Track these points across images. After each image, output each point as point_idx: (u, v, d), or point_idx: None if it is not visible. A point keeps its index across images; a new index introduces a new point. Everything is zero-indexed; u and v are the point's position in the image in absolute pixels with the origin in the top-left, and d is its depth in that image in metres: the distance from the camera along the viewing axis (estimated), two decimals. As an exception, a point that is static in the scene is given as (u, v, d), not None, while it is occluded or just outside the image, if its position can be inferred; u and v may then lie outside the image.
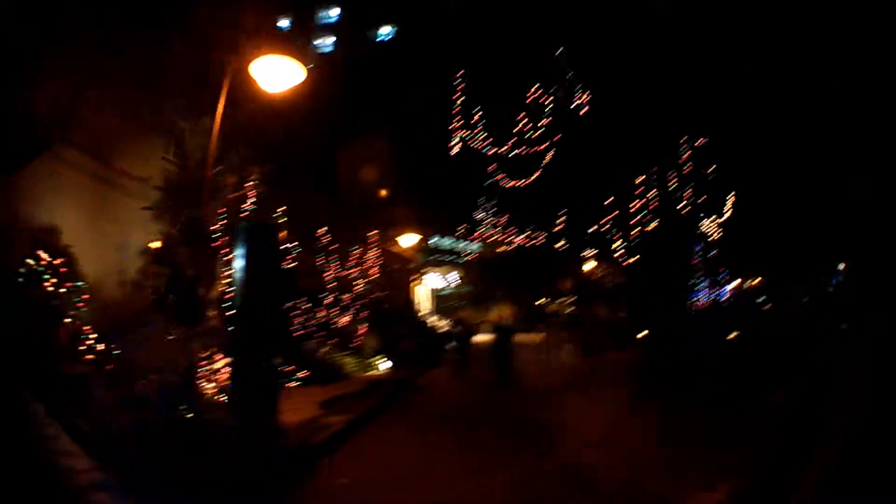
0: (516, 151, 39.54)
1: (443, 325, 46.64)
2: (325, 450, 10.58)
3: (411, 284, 35.96)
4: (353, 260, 21.58)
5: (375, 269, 23.77)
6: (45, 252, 12.17)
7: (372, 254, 23.44)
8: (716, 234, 45.36)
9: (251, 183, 14.82)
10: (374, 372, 21.11)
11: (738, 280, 50.16)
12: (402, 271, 31.75)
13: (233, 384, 9.34)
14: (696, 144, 42.92)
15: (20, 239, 12.14)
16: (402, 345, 23.92)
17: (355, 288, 21.80)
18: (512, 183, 40.47)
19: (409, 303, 32.75)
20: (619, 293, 42.50)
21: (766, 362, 16.07)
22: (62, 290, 11.97)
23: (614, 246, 43.87)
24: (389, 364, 21.99)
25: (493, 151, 39.64)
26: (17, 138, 11.93)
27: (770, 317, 28.18)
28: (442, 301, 60.45)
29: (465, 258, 63.98)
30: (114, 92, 14.62)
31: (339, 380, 18.48)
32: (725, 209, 43.89)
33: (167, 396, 9.09)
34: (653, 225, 41.02)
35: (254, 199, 14.86)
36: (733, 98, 36.02)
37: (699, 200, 42.95)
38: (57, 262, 12.26)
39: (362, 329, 22.04)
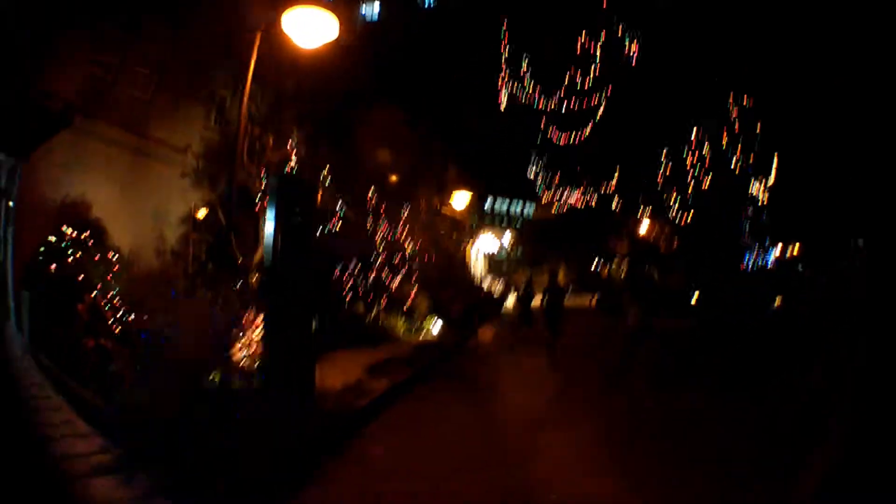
0: (567, 104, 37.33)
1: (496, 287, 46.17)
2: (363, 418, 10.03)
3: (464, 247, 35.23)
4: (404, 221, 20.87)
5: (426, 230, 23.14)
6: (72, 227, 11.77)
7: (423, 215, 22.76)
8: (763, 198, 42.93)
9: (292, 143, 14.32)
10: (424, 335, 20.61)
11: (780, 247, 47.98)
12: (454, 233, 31.05)
13: (264, 351, 8.74)
14: (743, 104, 40.52)
15: (43, 217, 11.81)
16: (454, 307, 23.33)
17: (406, 250, 21.19)
18: (563, 138, 37.79)
19: (461, 265, 32.06)
20: (674, 257, 40.73)
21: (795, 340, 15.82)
22: (88, 264, 11.58)
23: (669, 204, 42.02)
24: (440, 327, 21.46)
25: (542, 105, 37.61)
26: (32, 118, 11.48)
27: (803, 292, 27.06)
28: (496, 264, 59.90)
29: (519, 221, 63.37)
30: (150, 63, 14.50)
31: (388, 343, 18.06)
32: (771, 173, 41.36)
33: (195, 366, 8.57)
34: (706, 181, 39.12)
35: (296, 160, 14.37)
36: (781, 55, 34.49)
37: (749, 161, 40.57)
38: (84, 235, 11.85)
39: (413, 292, 21.45)
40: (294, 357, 8.43)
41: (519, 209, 72.30)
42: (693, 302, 29.31)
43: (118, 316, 10.77)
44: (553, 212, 52.25)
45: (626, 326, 19.58)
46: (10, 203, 11.98)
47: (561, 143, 39.31)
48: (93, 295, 10.82)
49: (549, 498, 6.66)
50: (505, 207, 71.45)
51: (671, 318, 26.04)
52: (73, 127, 12.37)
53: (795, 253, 45.30)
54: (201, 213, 13.78)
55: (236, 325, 10.15)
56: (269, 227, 8.44)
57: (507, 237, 49.40)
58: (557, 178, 45.04)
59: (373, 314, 19.20)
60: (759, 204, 42.41)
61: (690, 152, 39.92)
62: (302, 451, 7.57)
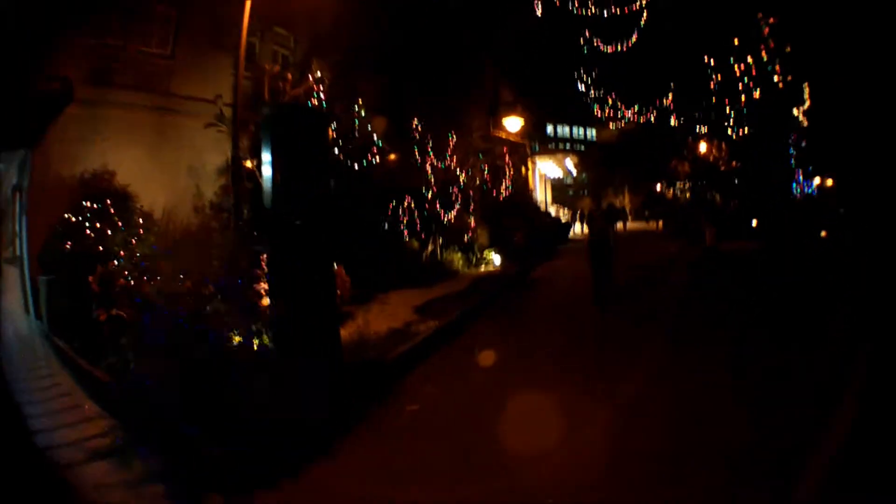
0: (610, 9, 33.24)
1: (562, 213, 44.32)
2: (402, 367, 8.70)
3: (524, 173, 33.35)
4: (454, 149, 19.17)
5: (481, 157, 21.41)
6: (92, 200, 11.05)
7: (476, 141, 21.00)
8: (804, 122, 38.49)
9: (315, 77, 12.87)
10: (484, 268, 19.15)
11: (819, 178, 44.35)
12: (512, 158, 29.26)
13: (272, 306, 7.35)
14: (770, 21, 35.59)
15: (62, 198, 11.11)
16: (515, 238, 21.75)
17: (461, 179, 19.56)
18: (611, 49, 33.91)
19: (522, 192, 30.22)
20: (731, 177, 38.18)
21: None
22: (108, 234, 10.63)
23: (724, 120, 38.27)
24: (501, 258, 19.93)
25: (584, 12, 33.53)
26: (30, 105, 10.71)
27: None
28: (559, 190, 57.95)
29: (582, 144, 61.04)
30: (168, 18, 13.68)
31: (446, 279, 16.73)
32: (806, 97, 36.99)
33: (213, 327, 7.20)
34: (756, 93, 34.96)
35: (326, 93, 12.94)
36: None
37: (788, 79, 35.65)
38: (107, 204, 11.04)
39: (472, 222, 19.85)
40: (306, 312, 6.95)
41: (581, 133, 69.93)
42: (754, 225, 28.07)
43: (135, 283, 9.57)
44: (613, 133, 49.86)
45: (703, 247, 18.64)
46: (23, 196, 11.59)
47: (609, 51, 34.58)
48: (109, 265, 9.73)
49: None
50: (567, 131, 69.19)
51: (736, 240, 24.69)
52: (81, 100, 11.68)
53: (830, 185, 42.62)
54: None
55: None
56: (266, 162, 6.94)
57: (570, 162, 47.11)
58: (612, 96, 41.49)
59: (429, 250, 17.77)
60: (801, 127, 38.29)
61: (736, 63, 35.13)
62: (314, 426, 6.20)
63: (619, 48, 34.30)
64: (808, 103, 36.66)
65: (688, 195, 44.16)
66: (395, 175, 17.03)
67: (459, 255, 18.49)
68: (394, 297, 13.73)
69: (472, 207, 19.95)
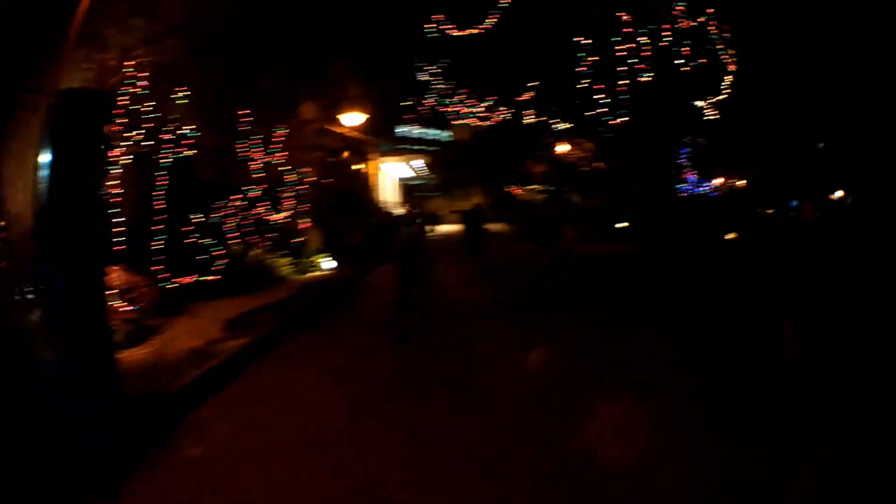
0: None
1: (411, 215, 43.92)
2: (196, 396, 7.74)
3: (369, 172, 32.54)
4: (288, 144, 18.07)
5: (316, 153, 20.36)
6: None
7: (310, 137, 19.87)
8: (711, 115, 33.80)
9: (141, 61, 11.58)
10: (315, 273, 18.21)
11: (722, 178, 44.20)
12: (353, 156, 28.20)
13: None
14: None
15: None
16: (350, 239, 20.88)
17: (292, 177, 18.51)
18: (463, 32, 29.00)
19: (364, 192, 29.36)
20: (595, 177, 37.79)
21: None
22: None
23: (594, 113, 34.15)
24: (334, 263, 19.05)
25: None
26: None
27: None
28: (410, 190, 57.55)
29: (435, 145, 60.70)
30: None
31: (271, 286, 15.58)
32: (723, 86, 32.00)
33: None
34: (645, 78, 30.04)
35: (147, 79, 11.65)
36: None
37: (697, 63, 30.20)
38: None
39: (304, 224, 18.84)
40: (68, 337, 5.87)
41: (436, 134, 69.87)
42: (620, 227, 27.65)
43: None
44: (468, 132, 49.72)
45: (560, 251, 18.11)
46: None
47: (462, 36, 29.24)
48: None
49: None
50: (422, 133, 68.95)
51: (600, 243, 24.46)
52: None
53: (740, 185, 43.00)
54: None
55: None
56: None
57: (420, 162, 46.87)
58: (465, 91, 37.92)
59: (255, 253, 16.60)
60: (704, 119, 34.05)
61: (621, 44, 29.38)
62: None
63: (473, 34, 29.24)
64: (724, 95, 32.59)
65: (542, 196, 44.09)
66: (221, 171, 15.82)
67: (288, 259, 17.46)
68: (210, 307, 12.51)
69: (303, 207, 18.97)
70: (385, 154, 42.65)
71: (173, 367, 8.31)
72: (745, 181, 42.40)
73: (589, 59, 30.71)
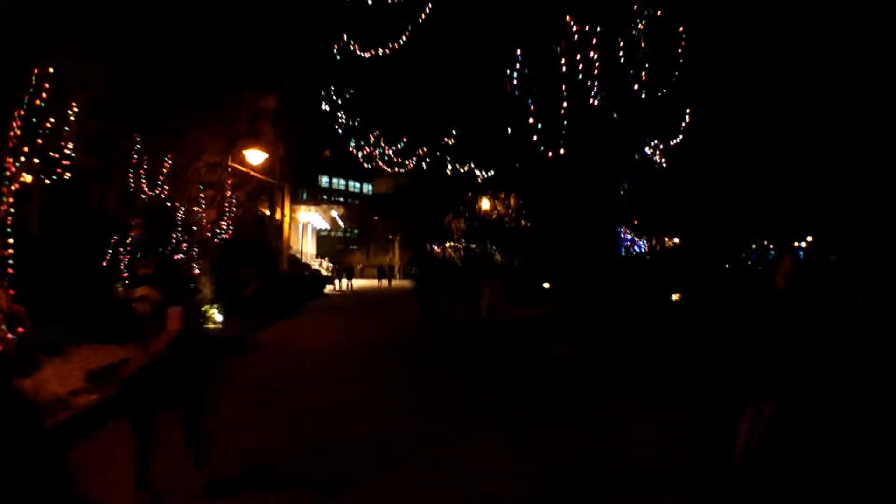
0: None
1: (325, 266, 42.87)
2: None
3: (279, 219, 31.31)
4: (181, 180, 16.86)
5: (212, 191, 19.10)
6: None
7: (204, 173, 18.60)
8: (662, 161, 30.77)
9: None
10: (205, 324, 16.78)
11: (649, 237, 40.38)
12: (258, 200, 26.95)
13: None
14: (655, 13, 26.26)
15: None
16: (247, 291, 19.57)
17: (188, 216, 17.28)
18: (369, 52, 25.26)
19: (269, 239, 28.01)
20: (520, 236, 35.38)
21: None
22: None
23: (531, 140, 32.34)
24: (225, 315, 17.52)
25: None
26: None
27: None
28: (328, 243, 56.66)
29: (357, 196, 60.06)
30: None
31: (151, 335, 14.13)
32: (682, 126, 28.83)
33: None
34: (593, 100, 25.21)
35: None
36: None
37: (655, 94, 26.53)
38: None
39: (195, 270, 17.51)
40: None
41: (358, 187, 69.44)
42: (547, 286, 26.29)
43: None
44: (389, 185, 49.18)
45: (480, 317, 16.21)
46: None
47: (370, 56, 25.39)
48: None
49: None
50: (343, 184, 68.41)
51: (526, 305, 23.07)
52: None
53: (671, 243, 41.82)
54: None
55: None
56: None
57: (336, 213, 46.01)
58: (381, 141, 34.21)
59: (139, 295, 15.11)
60: (656, 167, 30.84)
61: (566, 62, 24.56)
62: None
63: (386, 55, 25.85)
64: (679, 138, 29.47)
65: (460, 253, 43.17)
66: (107, 201, 14.62)
67: (173, 307, 16.02)
68: (78, 354, 11.27)
69: (196, 251, 17.70)
70: (301, 203, 41.72)
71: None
72: (678, 239, 41.42)
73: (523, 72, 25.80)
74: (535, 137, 25.31)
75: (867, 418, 7.34)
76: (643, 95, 25.93)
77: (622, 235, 34.90)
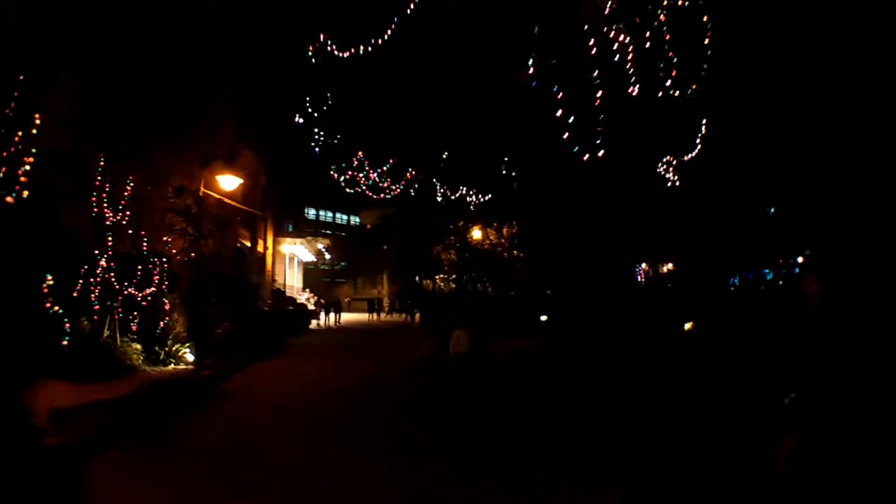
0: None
1: (306, 301, 41.81)
2: None
3: (261, 251, 30.31)
4: (153, 207, 15.92)
5: (182, 220, 18.01)
6: None
7: (175, 199, 17.57)
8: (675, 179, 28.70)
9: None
10: (173, 366, 15.62)
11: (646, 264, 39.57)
12: (239, 230, 25.72)
13: None
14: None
15: None
16: (219, 329, 18.45)
17: (159, 245, 16.30)
18: (348, 52, 22.38)
19: (250, 272, 26.86)
20: (517, 263, 34.31)
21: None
22: None
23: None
24: (197, 355, 16.42)
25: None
26: None
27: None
28: (314, 276, 55.72)
29: (338, 229, 59.36)
30: None
31: (115, 377, 13.05)
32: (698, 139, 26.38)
33: None
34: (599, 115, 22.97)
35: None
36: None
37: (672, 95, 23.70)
38: None
39: (167, 305, 16.48)
40: None
41: (345, 219, 68.77)
42: (543, 319, 25.19)
43: None
44: (376, 215, 48.33)
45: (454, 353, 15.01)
46: None
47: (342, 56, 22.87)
48: None
49: None
50: (330, 216, 67.80)
51: (514, 337, 21.86)
52: None
53: (668, 269, 39.94)
54: None
55: None
56: None
57: (322, 246, 45.08)
58: (366, 166, 32.22)
59: (105, 334, 14.24)
60: (669, 185, 28.62)
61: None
62: None
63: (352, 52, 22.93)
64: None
65: (450, 286, 42.01)
66: (72, 224, 13.77)
67: (139, 346, 15.01)
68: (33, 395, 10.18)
69: (171, 284, 16.68)
70: (287, 235, 40.83)
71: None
72: (671, 265, 39.51)
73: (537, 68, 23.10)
74: (565, 135, 22.52)
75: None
76: (673, 92, 23.36)
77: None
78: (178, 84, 15.72)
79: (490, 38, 24.22)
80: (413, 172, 32.87)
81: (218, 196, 19.40)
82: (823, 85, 20.86)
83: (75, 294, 13.36)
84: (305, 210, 57.36)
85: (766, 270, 27.17)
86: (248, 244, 28.17)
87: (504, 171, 29.70)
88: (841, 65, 20.04)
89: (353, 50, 22.28)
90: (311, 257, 46.68)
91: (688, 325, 18.76)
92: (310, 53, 23.43)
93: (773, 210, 26.50)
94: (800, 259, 23.97)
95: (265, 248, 31.21)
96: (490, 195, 33.37)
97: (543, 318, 25.46)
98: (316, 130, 28.81)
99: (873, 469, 4.91)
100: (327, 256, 49.04)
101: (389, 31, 21.36)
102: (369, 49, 22.01)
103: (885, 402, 5.34)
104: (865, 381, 5.45)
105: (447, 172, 33.08)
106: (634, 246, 28.57)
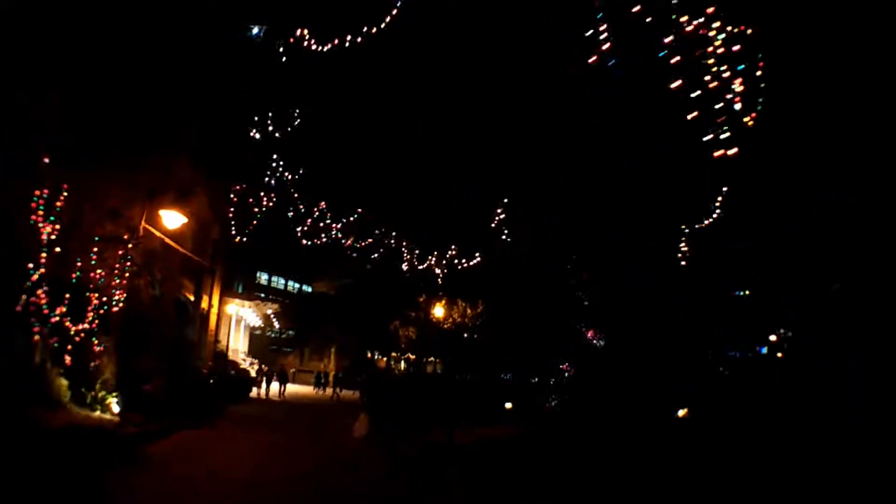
0: None
1: (250, 367, 40.19)
2: None
3: (204, 308, 28.88)
4: (82, 233, 14.90)
5: (118, 255, 16.63)
6: None
7: (116, 223, 16.26)
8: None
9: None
10: (97, 413, 14.44)
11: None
12: (181, 280, 24.16)
13: None
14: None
15: None
16: (150, 384, 17.12)
17: (87, 278, 15.10)
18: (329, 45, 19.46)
19: (185, 327, 25.23)
20: (481, 344, 33.00)
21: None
22: None
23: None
24: (124, 407, 15.22)
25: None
26: None
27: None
28: (262, 342, 54.17)
29: (288, 297, 58.08)
30: None
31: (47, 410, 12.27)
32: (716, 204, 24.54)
33: None
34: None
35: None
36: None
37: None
38: None
39: (99, 348, 15.23)
40: None
41: (296, 286, 67.67)
42: (509, 406, 24.22)
43: None
44: (332, 285, 47.05)
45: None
46: None
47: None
48: None
49: None
50: (282, 283, 66.72)
51: (483, 426, 20.66)
52: None
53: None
54: None
55: None
56: None
57: (271, 311, 43.68)
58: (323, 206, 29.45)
59: (35, 363, 13.16)
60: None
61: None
62: None
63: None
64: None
65: (399, 367, 40.73)
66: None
67: (66, 383, 13.86)
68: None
69: (104, 325, 15.46)
70: (235, 295, 39.45)
71: None
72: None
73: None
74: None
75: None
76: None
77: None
78: (138, 94, 14.96)
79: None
80: (382, 230, 31.07)
81: (160, 235, 18.10)
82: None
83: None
84: (258, 274, 56.24)
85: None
86: (192, 298, 26.81)
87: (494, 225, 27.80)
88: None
89: (336, 42, 20.07)
90: (258, 322, 45.31)
91: (682, 412, 17.86)
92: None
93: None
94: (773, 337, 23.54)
95: (210, 305, 29.83)
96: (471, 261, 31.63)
97: (508, 405, 24.71)
98: (282, 177, 27.11)
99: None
100: (276, 324, 47.60)
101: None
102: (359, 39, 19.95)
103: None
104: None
105: (424, 226, 31.22)
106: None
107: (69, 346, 14.06)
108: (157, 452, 13.43)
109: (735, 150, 17.16)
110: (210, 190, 23.08)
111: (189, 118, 18.01)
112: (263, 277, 62.62)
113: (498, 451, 16.39)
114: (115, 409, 15.01)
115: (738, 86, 16.91)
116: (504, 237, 27.70)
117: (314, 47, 18.71)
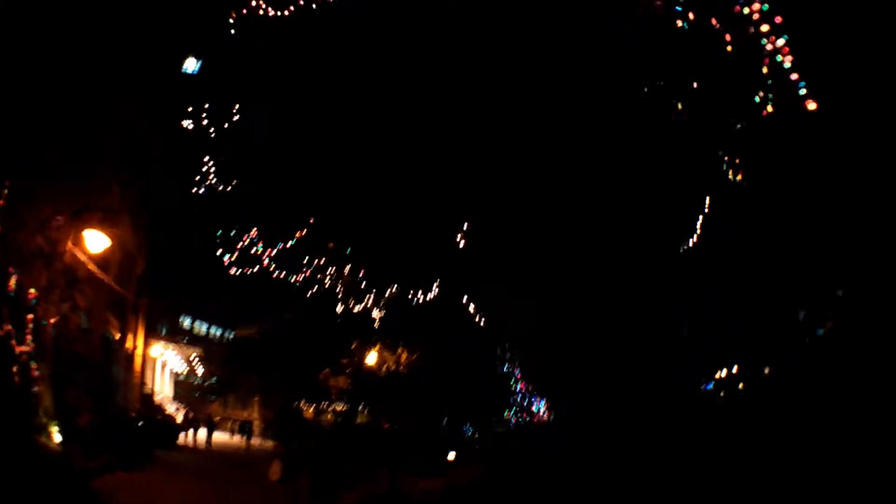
0: None
1: (176, 413, 39.28)
2: None
3: (130, 348, 28.25)
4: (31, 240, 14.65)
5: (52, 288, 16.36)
6: None
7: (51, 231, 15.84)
8: None
9: None
10: (45, 441, 14.24)
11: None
12: (107, 317, 23.63)
13: None
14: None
15: None
16: (83, 418, 16.85)
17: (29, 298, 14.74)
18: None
19: (110, 365, 24.67)
20: (418, 394, 32.09)
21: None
22: None
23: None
24: (64, 438, 15.00)
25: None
26: None
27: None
28: (187, 388, 53.06)
29: (211, 343, 57.10)
30: None
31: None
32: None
33: None
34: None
35: None
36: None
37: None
38: None
39: (36, 372, 14.78)
40: None
41: (221, 330, 66.47)
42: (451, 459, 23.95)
43: None
44: (252, 330, 46.05)
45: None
46: None
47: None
48: None
49: None
50: (206, 328, 65.51)
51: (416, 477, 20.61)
52: None
53: None
54: None
55: None
56: None
57: (196, 357, 42.95)
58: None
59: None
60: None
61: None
62: None
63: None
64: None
65: (328, 417, 39.93)
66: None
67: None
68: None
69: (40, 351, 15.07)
70: (160, 338, 38.70)
71: None
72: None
73: None
74: None
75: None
76: None
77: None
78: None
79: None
80: (322, 260, 29.85)
81: (84, 259, 17.73)
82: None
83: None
84: (181, 318, 55.28)
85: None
86: (118, 336, 26.18)
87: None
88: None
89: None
90: (184, 367, 44.54)
91: None
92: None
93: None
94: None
95: (135, 345, 29.23)
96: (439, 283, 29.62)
97: (451, 456, 24.51)
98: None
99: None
100: (199, 370, 46.77)
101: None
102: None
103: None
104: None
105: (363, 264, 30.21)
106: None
107: (14, 368, 13.67)
108: (104, 489, 13.40)
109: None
110: (137, 220, 22.75)
111: (113, 127, 17.68)
112: (186, 322, 61.57)
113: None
114: (57, 438, 14.74)
115: None
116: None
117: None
